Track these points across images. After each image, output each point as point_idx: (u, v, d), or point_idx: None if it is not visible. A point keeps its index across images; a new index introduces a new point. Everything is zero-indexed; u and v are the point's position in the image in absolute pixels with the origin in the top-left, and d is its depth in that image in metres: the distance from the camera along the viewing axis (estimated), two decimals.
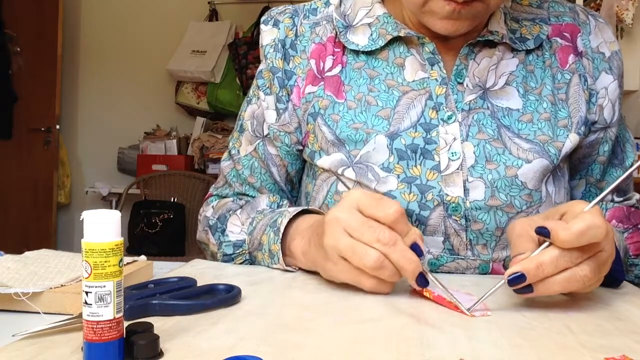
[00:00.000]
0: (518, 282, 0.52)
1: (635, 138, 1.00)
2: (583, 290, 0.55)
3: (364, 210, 0.57)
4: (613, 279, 0.62)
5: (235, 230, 0.79)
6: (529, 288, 0.53)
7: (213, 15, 3.98)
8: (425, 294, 0.56)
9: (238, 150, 0.86)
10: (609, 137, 0.79)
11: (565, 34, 0.78)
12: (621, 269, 0.63)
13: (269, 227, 0.72)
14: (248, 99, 0.86)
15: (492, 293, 0.53)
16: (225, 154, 0.89)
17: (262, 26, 0.82)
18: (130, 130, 3.97)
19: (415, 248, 0.56)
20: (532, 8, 0.80)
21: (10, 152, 3.95)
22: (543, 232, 0.53)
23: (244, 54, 3.68)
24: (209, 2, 3.98)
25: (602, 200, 0.71)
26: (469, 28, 0.69)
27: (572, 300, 0.58)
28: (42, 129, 3.89)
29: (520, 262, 0.53)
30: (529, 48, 0.76)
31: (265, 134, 0.83)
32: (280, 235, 0.69)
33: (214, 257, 0.83)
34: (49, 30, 3.85)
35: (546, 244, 0.53)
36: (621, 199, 0.84)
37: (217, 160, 3.58)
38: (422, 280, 0.55)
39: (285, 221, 0.70)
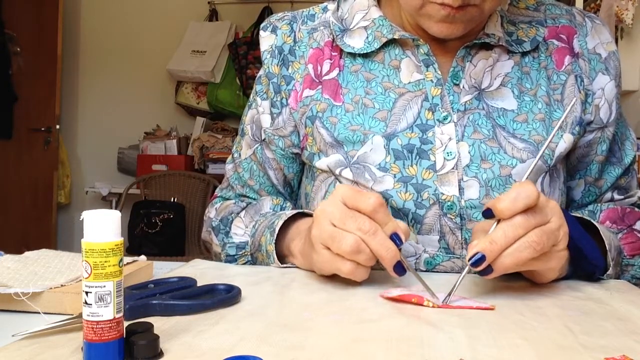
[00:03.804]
0: (480, 263, 0.55)
1: (637, 138, 1.00)
2: (543, 265, 0.58)
3: (347, 202, 0.59)
4: (594, 267, 0.65)
5: (239, 232, 0.82)
6: (490, 269, 0.55)
7: (213, 15, 3.98)
8: (413, 300, 0.55)
9: (239, 154, 0.89)
10: (607, 137, 0.79)
11: (562, 35, 0.79)
12: (599, 256, 0.65)
13: (267, 229, 0.75)
14: (249, 103, 0.88)
15: (461, 281, 0.56)
16: (230, 157, 0.92)
17: (261, 32, 0.84)
18: (130, 130, 3.97)
19: (394, 238, 0.58)
20: (529, 11, 0.80)
21: (10, 152, 3.95)
22: (488, 214, 0.56)
23: (244, 54, 3.68)
24: (209, 2, 3.98)
25: (540, 170, 0.74)
26: (464, 31, 0.70)
27: (571, 299, 0.58)
28: (42, 129, 3.89)
29: (474, 245, 0.55)
30: (525, 50, 0.77)
31: (262, 138, 0.85)
32: (275, 236, 0.72)
33: (217, 257, 0.86)
34: (49, 30, 3.85)
35: (495, 223, 0.56)
36: (622, 197, 0.84)
37: (217, 161, 3.58)
38: (399, 268, 0.57)
39: (280, 223, 0.73)
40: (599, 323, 0.50)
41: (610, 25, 2.60)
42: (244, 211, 0.85)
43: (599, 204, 0.83)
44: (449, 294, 0.55)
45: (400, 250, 0.58)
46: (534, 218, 0.55)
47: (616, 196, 0.84)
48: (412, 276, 0.59)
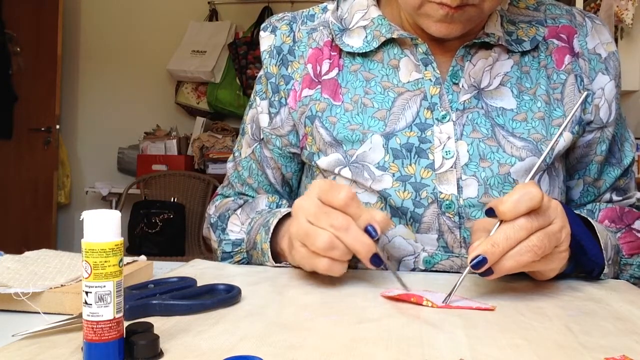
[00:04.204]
0: (481, 265, 0.54)
1: (636, 139, 1.00)
2: (545, 266, 0.58)
3: (322, 197, 0.59)
4: (593, 264, 0.65)
5: (235, 229, 0.82)
6: (490, 270, 0.55)
7: (213, 15, 3.98)
8: (412, 299, 0.55)
9: (240, 153, 0.90)
10: (606, 137, 0.79)
11: (562, 35, 0.79)
12: (598, 253, 0.65)
13: (262, 227, 0.75)
14: (250, 103, 0.89)
15: (461, 283, 0.56)
16: (231, 156, 0.93)
17: (261, 32, 0.85)
18: (130, 130, 3.97)
19: (370, 230, 0.58)
20: (529, 11, 0.80)
21: (10, 152, 3.95)
22: (491, 213, 0.56)
23: (244, 54, 3.68)
24: (209, 2, 3.98)
25: (539, 169, 0.74)
26: (463, 31, 0.70)
27: (571, 299, 0.58)
28: (42, 129, 3.89)
29: (476, 247, 0.55)
30: (524, 49, 0.77)
31: (261, 138, 0.85)
32: (270, 234, 0.72)
33: (215, 253, 0.87)
34: (49, 30, 3.85)
35: (497, 224, 0.56)
36: (620, 198, 0.84)
37: (217, 160, 3.58)
38: (376, 260, 0.57)
39: (275, 221, 0.73)
40: (599, 323, 0.50)
41: (610, 25, 2.59)
42: (240, 208, 0.85)
43: (598, 204, 0.83)
44: (449, 294, 0.55)
45: (377, 241, 0.58)
46: (536, 220, 0.55)
47: (615, 197, 0.84)
48: (413, 278, 0.59)
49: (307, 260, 0.60)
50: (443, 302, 0.54)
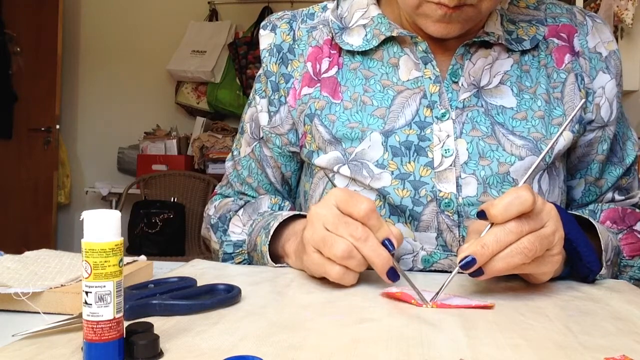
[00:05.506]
0: (469, 266, 0.55)
1: (638, 138, 1.00)
2: (536, 269, 0.58)
3: (340, 206, 0.59)
4: (588, 270, 0.65)
5: (237, 230, 0.83)
6: (481, 271, 0.55)
7: (213, 15, 3.98)
8: (412, 301, 0.55)
9: (239, 152, 0.89)
10: (607, 136, 0.79)
11: (562, 34, 0.79)
12: (594, 260, 0.65)
13: (263, 229, 0.75)
14: (249, 102, 0.89)
15: (449, 282, 0.56)
16: (229, 155, 0.92)
17: (260, 31, 0.85)
18: (130, 130, 3.97)
19: (387, 243, 0.58)
20: (529, 10, 0.80)
21: (10, 152, 3.95)
22: (482, 216, 0.56)
23: (244, 54, 3.68)
24: (209, 2, 3.98)
25: (538, 168, 0.73)
26: (461, 31, 0.70)
27: (571, 299, 0.58)
28: (42, 129, 3.89)
29: (466, 248, 0.55)
30: (524, 48, 0.77)
31: (260, 136, 0.85)
32: (270, 237, 0.72)
33: (215, 254, 0.87)
34: (49, 30, 3.85)
35: (488, 227, 0.56)
36: (623, 197, 0.84)
37: (217, 160, 3.58)
38: (392, 274, 0.58)
39: (275, 224, 0.73)
40: (599, 323, 0.50)
41: (610, 25, 2.59)
42: (242, 209, 0.85)
43: (600, 204, 0.82)
44: (437, 294, 0.54)
45: (393, 255, 0.58)
46: (527, 224, 0.55)
47: (617, 196, 0.84)
48: (412, 278, 0.59)
49: (320, 266, 0.60)
50: (431, 300, 0.54)
